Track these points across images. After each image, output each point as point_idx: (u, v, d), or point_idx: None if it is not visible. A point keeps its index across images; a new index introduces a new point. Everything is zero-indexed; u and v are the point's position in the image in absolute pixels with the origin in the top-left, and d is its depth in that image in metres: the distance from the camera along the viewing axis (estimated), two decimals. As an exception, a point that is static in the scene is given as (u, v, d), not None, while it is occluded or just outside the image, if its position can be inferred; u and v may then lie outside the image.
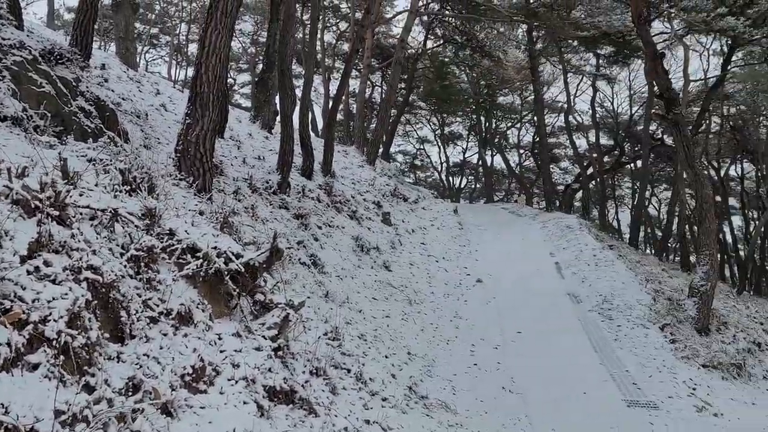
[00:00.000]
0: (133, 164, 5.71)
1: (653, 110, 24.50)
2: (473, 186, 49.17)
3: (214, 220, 6.09)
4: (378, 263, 14.31)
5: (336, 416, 5.04)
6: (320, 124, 32.87)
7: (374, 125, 25.05)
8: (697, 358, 11.67)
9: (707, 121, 30.39)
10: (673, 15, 20.41)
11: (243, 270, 5.05)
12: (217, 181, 11.26)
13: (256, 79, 19.65)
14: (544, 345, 11.43)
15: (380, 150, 31.39)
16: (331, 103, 20.17)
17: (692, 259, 26.32)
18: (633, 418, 8.54)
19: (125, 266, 4.13)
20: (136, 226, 4.49)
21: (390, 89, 22.05)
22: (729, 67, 22.72)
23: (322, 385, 5.47)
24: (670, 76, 15.86)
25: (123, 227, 4.45)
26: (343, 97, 31.60)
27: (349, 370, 6.31)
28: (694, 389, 9.86)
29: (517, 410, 8.28)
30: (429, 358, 9.65)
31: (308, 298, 9.06)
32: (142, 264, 4.29)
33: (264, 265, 5.40)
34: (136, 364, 3.79)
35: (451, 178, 46.39)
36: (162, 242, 4.65)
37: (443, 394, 8.07)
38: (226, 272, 4.93)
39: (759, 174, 33.61)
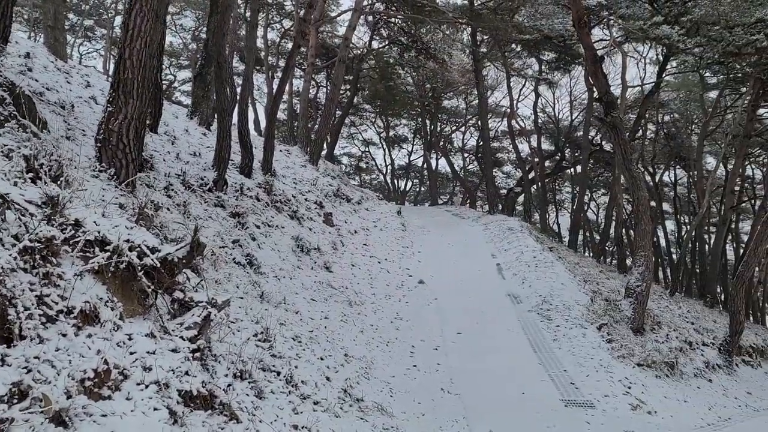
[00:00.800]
0: (41, 150, 5.21)
1: (593, 115, 25.17)
2: (418, 189, 49.38)
3: (133, 214, 5.62)
4: (319, 264, 13.95)
5: (260, 422, 4.70)
6: (264, 124, 32.21)
7: (318, 125, 24.65)
8: (632, 357, 11.86)
9: (643, 128, 31.46)
10: (612, 22, 20.93)
11: (159, 265, 4.64)
12: (147, 176, 10.67)
13: (195, 74, 18.93)
14: (484, 345, 11.37)
15: (324, 151, 31.01)
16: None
17: (628, 261, 27.15)
18: (570, 417, 8.52)
19: (16, 259, 3.69)
20: (31, 214, 4.03)
21: (334, 88, 21.71)
22: (664, 75, 23.49)
23: (246, 389, 5.11)
24: (608, 81, 16.19)
25: (17, 216, 3.99)
26: (287, 96, 31.12)
27: (278, 373, 5.96)
28: (629, 388, 9.97)
29: (455, 412, 8.11)
30: (367, 359, 9.39)
31: (241, 298, 8.67)
32: (38, 257, 3.84)
33: (184, 261, 5.00)
34: (25, 368, 3.36)
35: (396, 181, 46.42)
36: (65, 233, 4.20)
37: (380, 397, 7.82)
38: (139, 267, 4.52)
39: (690, 180, 35.03)
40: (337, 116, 33.11)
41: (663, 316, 16.35)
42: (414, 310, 13.05)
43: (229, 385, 4.82)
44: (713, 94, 30.99)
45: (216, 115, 13.47)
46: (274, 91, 20.81)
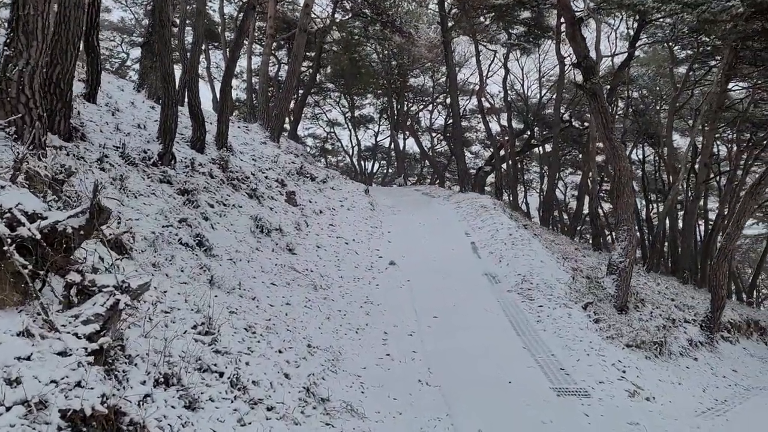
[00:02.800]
0: None
1: (571, 81, 24.24)
2: (385, 170, 48.21)
3: (8, 170, 4.30)
4: (280, 246, 12.74)
5: (190, 443, 3.54)
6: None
7: (278, 98, 23.16)
8: (621, 338, 10.99)
9: (614, 104, 30.81)
10: (585, -11, 20.00)
11: (40, 237, 3.40)
12: (76, 146, 9.30)
13: (142, 43, 17.33)
14: (462, 330, 10.34)
15: (287, 130, 29.52)
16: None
17: (603, 239, 26.62)
18: (565, 408, 7.54)
19: None
20: None
21: (294, 59, 20.27)
22: (637, 44, 22.72)
23: (173, 399, 3.92)
24: (587, 45, 15.22)
25: None
26: (246, 74, 29.48)
27: (221, 374, 4.76)
28: (624, 372, 9.05)
29: (436, 408, 7.04)
30: (334, 350, 8.25)
31: (185, 284, 7.44)
32: None
33: (82, 232, 3.77)
34: None
35: (363, 163, 45.14)
36: None
37: (349, 394, 6.70)
38: (9, 240, 3.27)
39: (659, 157, 34.65)
40: (299, 94, 31.64)
41: (644, 293, 15.64)
42: (385, 293, 11.96)
43: (146, 396, 3.63)
44: (682, 70, 30.59)
45: (161, 81, 12.03)
46: (237, 70, 19.30)
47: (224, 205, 12.62)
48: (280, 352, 6.70)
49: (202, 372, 4.54)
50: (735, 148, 32.16)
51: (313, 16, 26.56)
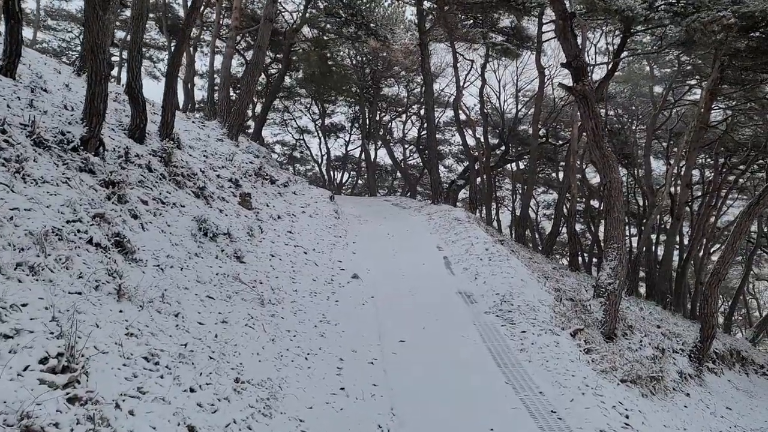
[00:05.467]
0: None
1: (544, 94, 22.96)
2: (355, 181, 46.61)
3: None
4: (227, 252, 10.96)
5: None
6: (183, 100, 28.63)
7: (238, 91, 21.34)
8: (615, 372, 9.50)
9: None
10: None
11: None
12: (-41, 116, 7.46)
13: (83, 21, 15.41)
14: (433, 358, 8.73)
15: (249, 133, 27.72)
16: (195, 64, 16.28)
17: (580, 259, 25.39)
18: (564, 468, 5.96)
19: None
20: None
21: (258, 49, 18.51)
22: (622, 56, 21.68)
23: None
24: (578, 44, 13.94)
25: None
26: (208, 71, 27.67)
27: (64, 440, 3.01)
28: (627, 417, 7.50)
29: (400, 467, 5.38)
30: (273, 383, 6.51)
31: (78, 293, 5.65)
32: None
33: None
34: None
35: (332, 172, 43.44)
36: None
37: (285, 449, 4.98)
38: None
39: (633, 180, 33.81)
40: (266, 95, 29.91)
41: (630, 319, 14.27)
42: (346, 311, 10.27)
43: None
44: (659, 89, 29.90)
45: (88, 54, 10.21)
46: (201, 69, 17.59)
47: (162, 203, 10.81)
48: (191, 391, 4.93)
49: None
50: (712, 174, 31.47)
51: (281, 10, 24.98)
